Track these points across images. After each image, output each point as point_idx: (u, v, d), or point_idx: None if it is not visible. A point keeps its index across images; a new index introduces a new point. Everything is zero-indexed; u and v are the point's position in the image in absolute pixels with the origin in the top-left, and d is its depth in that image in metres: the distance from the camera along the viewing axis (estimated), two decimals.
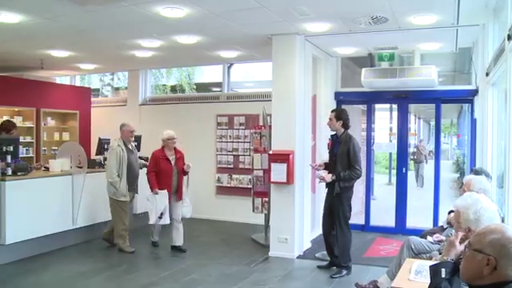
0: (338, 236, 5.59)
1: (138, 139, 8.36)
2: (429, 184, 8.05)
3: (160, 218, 6.42)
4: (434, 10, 5.22)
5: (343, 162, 5.49)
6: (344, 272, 5.57)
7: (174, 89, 11.78)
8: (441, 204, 7.47)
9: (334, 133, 5.72)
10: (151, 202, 6.42)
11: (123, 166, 6.38)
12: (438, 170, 7.55)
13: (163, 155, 6.53)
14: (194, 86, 11.96)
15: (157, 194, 6.36)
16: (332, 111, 5.80)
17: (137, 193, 6.89)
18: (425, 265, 3.47)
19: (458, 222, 2.65)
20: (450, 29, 5.92)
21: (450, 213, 5.20)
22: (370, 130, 8.07)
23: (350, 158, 5.46)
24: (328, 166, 5.70)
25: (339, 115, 5.62)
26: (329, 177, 5.51)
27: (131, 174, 6.53)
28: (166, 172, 6.51)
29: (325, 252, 6.32)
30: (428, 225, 7.34)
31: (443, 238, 4.51)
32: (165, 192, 6.41)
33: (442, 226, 5.27)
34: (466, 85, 7.32)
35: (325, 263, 5.87)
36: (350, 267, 5.63)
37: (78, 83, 11.55)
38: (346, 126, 5.62)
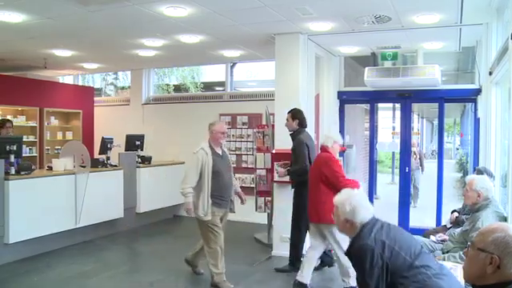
0: (291, 233, 5.67)
1: (140, 138, 8.40)
2: (432, 184, 8.01)
3: None
4: (438, 9, 5.21)
5: (293, 158, 5.60)
6: (288, 269, 5.62)
7: (178, 88, 11.78)
8: (444, 203, 7.45)
9: (292, 132, 5.73)
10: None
11: (207, 175, 4.99)
12: (441, 170, 7.53)
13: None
14: (201, 85, 11.93)
15: None
16: (288, 112, 5.75)
17: (233, 211, 5.44)
18: None
19: (337, 215, 2.88)
20: (454, 28, 5.91)
21: (452, 212, 5.21)
22: (373, 129, 8.05)
23: (295, 154, 5.53)
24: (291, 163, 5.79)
25: (295, 115, 5.65)
26: (282, 171, 5.72)
27: (218, 184, 5.05)
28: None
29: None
30: (431, 224, 7.33)
31: (446, 237, 4.51)
32: None
33: (446, 226, 5.26)
34: (469, 84, 7.30)
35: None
36: (293, 266, 5.62)
37: (80, 82, 11.58)
38: (301, 124, 5.65)
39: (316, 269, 5.57)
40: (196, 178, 4.95)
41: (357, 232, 2.76)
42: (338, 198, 2.93)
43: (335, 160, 4.97)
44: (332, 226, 4.52)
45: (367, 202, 2.85)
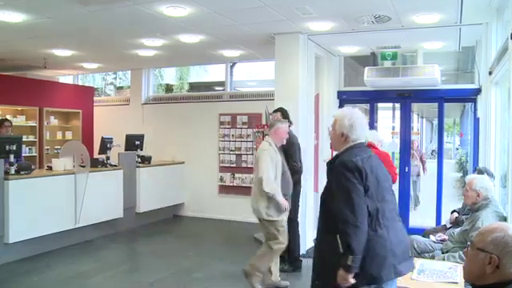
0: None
1: (140, 138, 8.40)
2: (431, 184, 8.01)
3: None
4: (437, 8, 5.21)
5: (285, 158, 5.46)
6: (285, 268, 5.60)
7: (169, 88, 11.74)
8: (443, 203, 7.45)
9: None
10: None
11: (277, 173, 4.83)
12: (441, 169, 7.53)
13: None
14: (186, 87, 11.85)
15: None
16: (274, 111, 5.71)
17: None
18: (427, 264, 3.49)
19: (333, 129, 2.84)
20: (453, 28, 5.91)
21: (452, 212, 5.21)
22: (372, 129, 8.03)
23: (287, 153, 5.39)
24: None
25: (285, 114, 5.63)
26: None
27: (284, 182, 4.94)
28: None
29: None
30: (431, 224, 7.33)
31: (446, 237, 4.51)
32: None
33: (445, 225, 5.27)
34: (468, 84, 7.30)
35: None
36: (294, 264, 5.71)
37: (80, 82, 11.57)
38: (291, 123, 5.60)
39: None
40: (273, 174, 4.73)
41: (346, 148, 2.75)
42: (338, 113, 2.91)
43: None
44: None
45: (366, 124, 2.85)
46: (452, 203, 7.78)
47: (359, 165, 2.60)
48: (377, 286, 2.54)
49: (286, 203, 4.75)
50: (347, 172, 2.58)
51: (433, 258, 4.09)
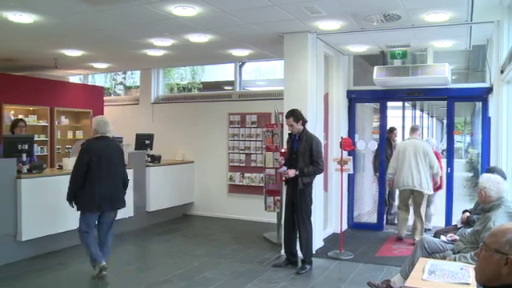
0: (301, 232, 5.69)
1: (150, 137, 8.44)
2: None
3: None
4: (448, 6, 5.18)
5: (305, 159, 5.58)
6: (308, 267, 5.68)
7: (181, 88, 11.78)
8: (454, 203, 7.41)
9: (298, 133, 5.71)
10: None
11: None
12: (452, 169, 7.48)
13: None
14: (200, 86, 11.88)
15: None
16: (287, 117, 5.69)
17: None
18: (438, 264, 3.46)
19: None
20: (464, 26, 5.86)
21: (464, 212, 5.17)
22: (383, 128, 8.01)
23: (313, 154, 5.55)
24: (287, 163, 5.73)
25: (297, 117, 5.63)
26: (292, 172, 5.57)
27: None
28: None
29: (338, 250, 6.33)
30: (441, 224, 7.30)
31: (457, 237, 4.48)
32: None
33: (456, 225, 5.24)
34: (479, 83, 7.25)
35: (280, 262, 5.95)
36: (312, 261, 5.80)
37: (89, 82, 11.64)
38: (304, 123, 5.67)
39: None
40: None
41: None
42: None
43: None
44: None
45: None
46: (462, 203, 7.73)
47: None
48: None
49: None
50: None
51: (444, 258, 4.06)
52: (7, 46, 7.42)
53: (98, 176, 5.17)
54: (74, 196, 5.19)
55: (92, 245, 5.30)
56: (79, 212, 5.31)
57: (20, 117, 8.17)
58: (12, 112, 8.81)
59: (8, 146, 6.15)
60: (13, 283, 5.19)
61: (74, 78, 11.49)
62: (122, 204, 5.49)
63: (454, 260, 3.83)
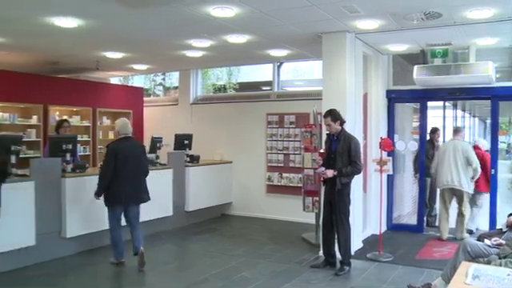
0: (339, 232, 5.65)
1: (189, 137, 8.56)
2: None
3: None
4: (492, 3, 5.02)
5: (343, 159, 5.54)
6: (347, 268, 5.62)
7: (217, 89, 11.91)
8: (498, 206, 7.18)
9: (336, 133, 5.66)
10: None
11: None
12: (496, 170, 7.25)
13: None
14: (236, 86, 11.96)
15: None
16: (325, 116, 5.66)
17: None
18: (482, 269, 3.35)
19: None
20: (508, 22, 5.67)
21: (510, 215, 5.00)
22: (423, 128, 7.84)
23: (351, 155, 5.52)
24: (325, 164, 5.69)
25: (335, 116, 5.59)
26: (331, 172, 5.53)
27: None
28: None
29: (377, 252, 6.25)
30: (484, 227, 7.09)
31: (502, 241, 4.33)
32: None
33: (501, 229, 5.06)
34: None
35: (319, 263, 5.92)
36: (351, 262, 5.74)
37: (130, 83, 11.90)
38: (342, 123, 5.62)
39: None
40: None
41: None
42: None
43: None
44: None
45: None
46: (507, 206, 7.48)
47: None
48: None
49: None
50: None
51: (488, 262, 3.94)
52: (53, 49, 7.70)
53: (124, 175, 5.61)
54: (102, 193, 5.69)
55: (119, 242, 5.81)
56: (107, 208, 5.76)
57: (64, 117, 8.44)
58: (57, 113, 9.12)
59: (53, 145, 6.39)
60: (58, 278, 5.39)
61: (115, 80, 11.79)
62: (147, 198, 5.90)
63: (500, 265, 3.71)
